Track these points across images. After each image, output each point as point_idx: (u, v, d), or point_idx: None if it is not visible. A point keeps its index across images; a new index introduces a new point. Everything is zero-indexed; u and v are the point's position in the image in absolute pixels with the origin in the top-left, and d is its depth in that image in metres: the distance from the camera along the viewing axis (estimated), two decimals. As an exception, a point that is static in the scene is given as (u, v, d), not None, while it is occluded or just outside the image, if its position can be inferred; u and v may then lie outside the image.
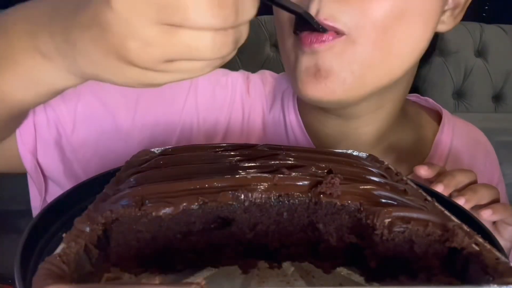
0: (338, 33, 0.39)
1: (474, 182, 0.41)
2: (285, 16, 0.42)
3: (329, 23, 0.38)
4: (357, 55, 0.40)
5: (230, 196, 0.28)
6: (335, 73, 0.40)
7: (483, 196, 0.40)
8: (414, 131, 0.55)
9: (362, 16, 0.38)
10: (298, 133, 0.53)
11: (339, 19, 0.38)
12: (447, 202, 0.35)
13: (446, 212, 0.29)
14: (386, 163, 0.38)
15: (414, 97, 0.61)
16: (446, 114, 0.58)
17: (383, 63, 0.41)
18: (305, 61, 0.41)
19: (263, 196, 0.29)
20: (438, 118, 0.58)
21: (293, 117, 0.53)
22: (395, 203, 0.28)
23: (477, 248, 0.24)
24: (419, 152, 0.55)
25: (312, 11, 0.38)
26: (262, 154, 0.37)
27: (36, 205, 0.49)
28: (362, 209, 0.28)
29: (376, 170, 0.35)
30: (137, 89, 0.46)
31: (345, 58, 0.40)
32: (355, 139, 0.51)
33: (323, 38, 0.39)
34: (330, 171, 0.32)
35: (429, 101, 0.60)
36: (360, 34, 0.39)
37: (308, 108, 0.52)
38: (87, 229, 0.25)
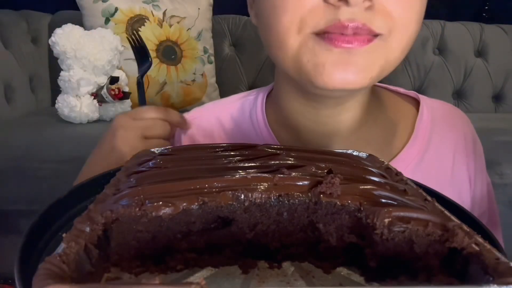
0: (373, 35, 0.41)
1: None
2: (295, 16, 0.41)
3: (366, 27, 0.40)
4: (387, 54, 0.43)
5: (230, 196, 0.28)
6: (366, 68, 0.42)
7: None
8: (392, 116, 0.56)
9: (392, 21, 0.41)
10: (262, 126, 0.55)
11: (374, 24, 0.40)
12: (447, 202, 0.35)
13: (446, 212, 0.29)
14: (386, 163, 0.38)
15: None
16: (423, 98, 0.59)
17: (399, 57, 0.45)
18: (333, 57, 0.41)
19: (263, 196, 0.29)
20: (416, 103, 0.58)
21: (259, 112, 0.56)
22: (395, 203, 0.28)
23: (477, 248, 0.24)
24: (398, 136, 0.55)
25: (347, 19, 0.39)
26: (262, 154, 0.37)
27: None
28: (362, 209, 0.28)
29: (376, 170, 0.35)
30: None
31: (377, 56, 0.42)
32: (334, 128, 0.52)
33: (364, 39, 0.40)
34: (330, 171, 0.32)
35: (401, 89, 0.61)
36: (391, 36, 0.42)
37: (286, 101, 0.53)
38: (87, 229, 0.25)
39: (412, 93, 0.59)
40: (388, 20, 0.40)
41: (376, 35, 0.41)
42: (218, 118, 0.59)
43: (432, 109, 0.57)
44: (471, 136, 0.58)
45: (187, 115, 0.61)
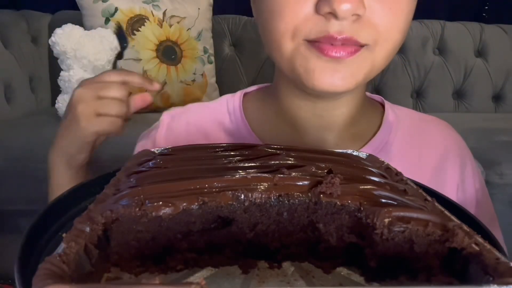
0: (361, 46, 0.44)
1: None
2: (289, 24, 0.43)
3: (354, 39, 0.42)
4: (372, 61, 0.45)
5: (230, 196, 0.28)
6: (352, 74, 0.45)
7: None
8: (378, 117, 0.59)
9: (377, 33, 0.43)
10: (242, 128, 0.57)
11: (360, 36, 0.43)
12: (447, 202, 0.35)
13: (446, 212, 0.29)
14: (386, 163, 0.38)
15: None
16: (387, 102, 0.61)
17: (385, 62, 0.47)
18: (322, 64, 0.44)
19: (263, 196, 0.29)
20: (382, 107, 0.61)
21: (237, 104, 0.59)
22: (395, 203, 0.28)
23: (477, 248, 0.24)
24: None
25: (336, 32, 0.42)
26: (262, 154, 0.37)
27: None
28: (362, 209, 0.28)
29: (376, 170, 0.35)
30: None
31: (363, 64, 0.45)
32: (330, 121, 0.54)
33: (351, 50, 0.43)
34: (330, 171, 0.32)
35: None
36: (377, 46, 0.44)
37: (284, 94, 0.55)
38: (87, 229, 0.25)
39: (377, 96, 0.62)
40: (373, 32, 0.43)
41: (362, 45, 0.44)
42: (200, 114, 0.62)
43: (394, 111, 0.60)
44: (454, 147, 0.59)
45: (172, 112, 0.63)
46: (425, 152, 0.57)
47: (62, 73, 1.31)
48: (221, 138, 0.58)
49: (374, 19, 0.42)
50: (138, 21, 1.53)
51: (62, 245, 0.23)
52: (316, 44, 0.43)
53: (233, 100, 0.60)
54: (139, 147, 0.61)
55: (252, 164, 0.34)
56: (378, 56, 0.45)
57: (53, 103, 1.38)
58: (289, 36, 0.44)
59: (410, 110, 0.64)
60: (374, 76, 0.48)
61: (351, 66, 0.44)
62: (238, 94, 0.61)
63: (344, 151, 0.41)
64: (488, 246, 0.24)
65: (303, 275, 0.29)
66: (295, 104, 0.54)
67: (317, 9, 0.42)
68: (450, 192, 0.56)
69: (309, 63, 0.44)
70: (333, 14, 0.41)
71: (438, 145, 0.58)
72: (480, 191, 0.59)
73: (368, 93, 0.61)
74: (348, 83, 0.45)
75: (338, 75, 0.44)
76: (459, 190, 0.57)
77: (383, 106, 0.61)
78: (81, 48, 1.27)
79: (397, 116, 0.59)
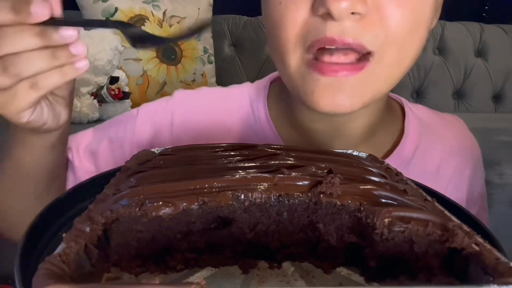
0: (365, 53, 0.40)
1: None
2: (290, 33, 0.41)
3: (357, 42, 0.39)
4: (381, 74, 0.41)
5: (230, 196, 0.28)
6: (358, 92, 0.41)
7: None
8: (398, 125, 0.56)
9: (385, 34, 0.39)
10: (266, 128, 0.54)
11: (365, 38, 0.39)
12: (447, 202, 0.35)
13: (446, 212, 0.29)
14: (386, 163, 0.38)
15: None
16: (407, 106, 0.58)
17: (397, 75, 0.43)
18: (320, 86, 0.41)
19: (263, 196, 0.29)
20: (401, 108, 0.59)
21: (262, 113, 0.55)
22: (395, 203, 0.28)
23: (477, 248, 0.24)
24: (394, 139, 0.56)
25: (335, 33, 0.38)
26: (262, 154, 0.37)
27: None
28: (362, 209, 0.28)
29: (376, 170, 0.35)
30: None
31: (369, 81, 0.41)
32: (345, 134, 0.51)
33: (356, 66, 0.39)
34: (330, 171, 0.32)
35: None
36: (385, 52, 0.40)
37: (296, 105, 0.52)
38: (87, 229, 0.25)
39: (396, 96, 0.60)
40: (380, 34, 0.39)
41: (368, 53, 0.40)
42: (216, 103, 0.58)
43: (416, 114, 0.58)
44: (467, 149, 0.59)
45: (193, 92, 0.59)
46: (444, 158, 0.56)
47: (62, 73, 1.31)
48: (246, 138, 0.54)
49: (380, 17, 0.38)
50: (138, 21, 1.53)
51: (62, 245, 0.23)
52: (315, 63, 0.40)
53: (257, 101, 0.56)
54: (142, 115, 0.56)
55: (252, 164, 0.34)
56: (387, 64, 0.40)
57: (53, 103, 1.38)
58: (292, 48, 0.42)
59: (428, 110, 0.61)
60: (387, 91, 0.44)
61: (355, 85, 0.40)
62: (262, 97, 0.56)
63: (344, 151, 0.41)
64: (488, 246, 0.24)
65: (303, 275, 0.29)
66: (308, 117, 0.51)
67: (313, 11, 0.39)
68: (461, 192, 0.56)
69: (308, 85, 0.42)
70: (330, 15, 0.38)
71: (454, 148, 0.57)
72: (484, 194, 0.59)
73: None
74: (353, 104, 0.41)
75: (340, 95, 0.40)
76: (468, 191, 0.57)
77: (402, 107, 0.58)
78: (81, 48, 1.27)
79: (418, 121, 0.56)
